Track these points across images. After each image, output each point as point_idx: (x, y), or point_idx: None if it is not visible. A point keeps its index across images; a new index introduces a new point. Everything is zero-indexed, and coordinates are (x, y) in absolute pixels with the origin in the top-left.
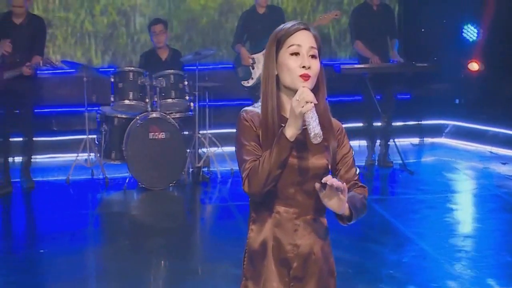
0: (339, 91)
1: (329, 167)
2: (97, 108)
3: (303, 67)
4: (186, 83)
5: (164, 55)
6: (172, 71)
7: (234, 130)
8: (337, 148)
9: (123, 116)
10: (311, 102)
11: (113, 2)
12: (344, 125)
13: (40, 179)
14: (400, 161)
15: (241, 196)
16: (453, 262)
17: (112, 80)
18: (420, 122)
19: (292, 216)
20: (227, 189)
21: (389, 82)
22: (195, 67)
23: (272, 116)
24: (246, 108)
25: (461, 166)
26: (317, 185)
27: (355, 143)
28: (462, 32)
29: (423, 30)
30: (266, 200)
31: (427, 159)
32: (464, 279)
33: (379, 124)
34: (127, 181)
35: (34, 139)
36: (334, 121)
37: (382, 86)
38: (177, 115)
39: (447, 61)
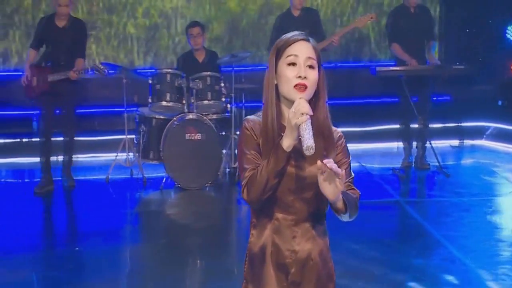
0: (375, 92)
1: None
2: (136, 109)
3: (299, 77)
4: (222, 84)
5: (201, 57)
6: (208, 73)
7: None
8: (335, 155)
9: (161, 117)
10: (307, 114)
11: (155, 4)
12: (380, 127)
13: (81, 178)
14: (437, 164)
15: None
16: (483, 268)
17: (150, 82)
18: (460, 124)
19: (290, 223)
20: None
21: (425, 84)
22: (231, 69)
23: (272, 125)
24: (249, 117)
25: (500, 169)
26: (319, 163)
27: (392, 144)
28: (506, 33)
29: (467, 30)
30: (265, 207)
31: (466, 161)
32: (493, 286)
33: (416, 126)
34: (163, 181)
35: (76, 138)
36: (335, 129)
37: (418, 88)
38: (214, 116)
39: (490, 62)
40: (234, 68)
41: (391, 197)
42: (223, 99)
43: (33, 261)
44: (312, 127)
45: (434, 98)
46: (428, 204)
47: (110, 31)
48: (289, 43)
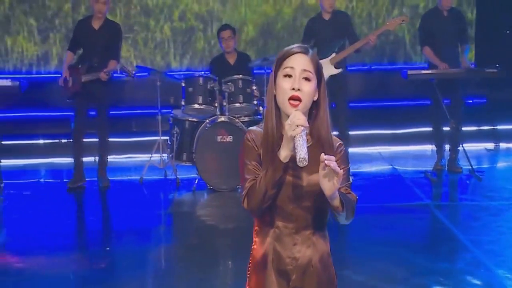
0: (409, 95)
1: None
2: (169, 111)
3: (293, 89)
4: (254, 87)
5: (232, 59)
6: (240, 76)
7: None
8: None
9: (193, 119)
10: (302, 126)
11: (191, 8)
12: (412, 130)
13: (116, 178)
14: (470, 167)
15: None
16: (509, 273)
17: (183, 84)
18: (495, 127)
19: (291, 231)
20: None
21: (457, 87)
22: (264, 71)
23: (271, 136)
24: (251, 127)
25: None
26: (322, 156)
27: (425, 147)
28: None
29: (506, 32)
30: (266, 216)
31: (500, 165)
32: None
33: (448, 129)
34: (195, 182)
35: (112, 139)
36: (335, 139)
37: (450, 91)
38: (246, 119)
39: None
40: (267, 71)
41: (420, 201)
42: (255, 102)
43: (67, 259)
44: (313, 137)
45: (470, 101)
46: (457, 207)
47: (147, 34)
48: (287, 55)
